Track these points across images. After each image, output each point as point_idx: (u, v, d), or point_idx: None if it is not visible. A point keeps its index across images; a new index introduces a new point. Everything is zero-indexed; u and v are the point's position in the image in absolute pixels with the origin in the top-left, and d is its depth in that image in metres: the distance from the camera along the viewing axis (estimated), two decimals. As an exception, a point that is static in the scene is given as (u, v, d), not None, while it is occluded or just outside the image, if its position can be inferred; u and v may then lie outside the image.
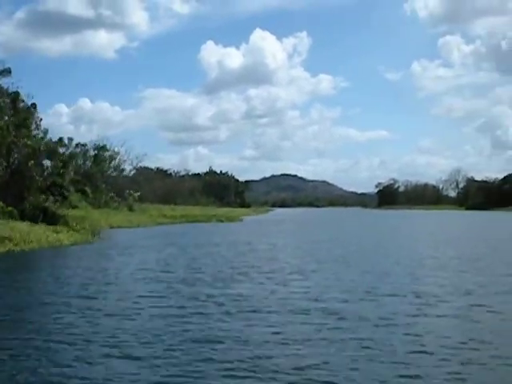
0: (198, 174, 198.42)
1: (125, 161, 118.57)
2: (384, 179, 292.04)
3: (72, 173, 76.47)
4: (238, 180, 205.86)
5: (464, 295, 19.31)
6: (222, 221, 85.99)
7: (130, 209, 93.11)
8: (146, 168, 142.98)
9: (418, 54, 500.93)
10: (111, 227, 61.82)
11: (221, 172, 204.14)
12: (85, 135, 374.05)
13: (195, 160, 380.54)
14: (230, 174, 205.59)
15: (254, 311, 16.28)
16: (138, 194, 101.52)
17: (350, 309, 16.58)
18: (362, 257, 33.05)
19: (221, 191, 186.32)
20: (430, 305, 17.36)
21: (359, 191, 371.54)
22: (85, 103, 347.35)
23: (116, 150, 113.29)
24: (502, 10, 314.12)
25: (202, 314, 15.89)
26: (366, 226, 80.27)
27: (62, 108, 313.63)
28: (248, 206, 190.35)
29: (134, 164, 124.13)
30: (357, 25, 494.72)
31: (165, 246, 40.63)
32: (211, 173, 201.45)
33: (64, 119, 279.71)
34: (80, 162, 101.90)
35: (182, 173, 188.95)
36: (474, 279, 22.90)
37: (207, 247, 39.23)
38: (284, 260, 30.94)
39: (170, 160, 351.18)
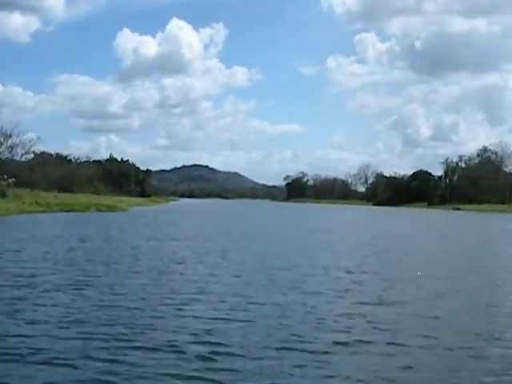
0: (99, 160, 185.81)
1: (17, 145, 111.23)
2: (294, 172, 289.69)
3: None
4: (138, 168, 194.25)
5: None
6: (101, 210, 75.08)
7: (3, 195, 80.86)
8: (44, 153, 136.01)
9: (333, 49, 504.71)
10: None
11: (122, 159, 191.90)
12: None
13: (107, 148, 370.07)
14: (131, 161, 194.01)
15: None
16: (13, 179, 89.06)
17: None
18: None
19: (120, 179, 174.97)
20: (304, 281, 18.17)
21: (270, 184, 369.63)
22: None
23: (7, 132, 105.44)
24: (417, 11, 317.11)
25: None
26: (250, 218, 77.89)
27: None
28: (148, 195, 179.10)
29: (27, 148, 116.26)
30: (273, 18, 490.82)
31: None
32: (112, 160, 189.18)
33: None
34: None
35: (84, 159, 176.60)
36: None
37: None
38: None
39: (82, 147, 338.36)
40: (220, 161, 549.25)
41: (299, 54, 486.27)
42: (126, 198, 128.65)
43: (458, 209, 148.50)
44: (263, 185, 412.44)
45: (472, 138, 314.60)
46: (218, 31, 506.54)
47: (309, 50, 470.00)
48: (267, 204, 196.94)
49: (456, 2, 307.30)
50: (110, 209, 78.09)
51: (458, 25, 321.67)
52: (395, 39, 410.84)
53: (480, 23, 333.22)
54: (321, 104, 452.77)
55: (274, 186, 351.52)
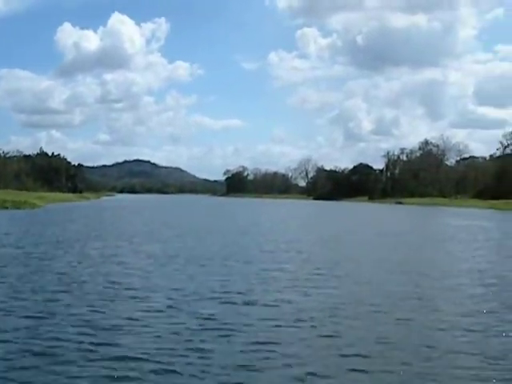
0: (29, 155, 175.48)
1: None
2: (234, 167, 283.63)
3: None
4: (70, 163, 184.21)
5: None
6: (6, 207, 66.15)
7: None
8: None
9: (275, 44, 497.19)
10: None
11: (52, 154, 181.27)
12: None
13: (47, 143, 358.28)
14: (62, 156, 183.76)
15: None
16: None
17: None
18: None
19: (50, 174, 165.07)
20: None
21: (212, 179, 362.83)
22: None
23: None
24: (359, 6, 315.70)
25: None
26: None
27: None
28: (80, 191, 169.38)
29: None
30: (216, 13, 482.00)
31: None
32: (42, 154, 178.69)
33: None
34: None
35: (14, 154, 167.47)
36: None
37: None
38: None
39: (22, 143, 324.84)
40: (162, 156, 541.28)
41: (241, 48, 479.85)
42: (50, 194, 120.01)
43: (400, 203, 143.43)
44: (205, 180, 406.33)
45: (413, 132, 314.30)
46: (160, 26, 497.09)
47: (251, 45, 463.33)
48: (204, 199, 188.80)
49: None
50: (18, 206, 69.07)
51: (399, 21, 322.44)
52: (337, 34, 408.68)
53: (420, 19, 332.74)
54: (262, 99, 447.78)
55: (215, 181, 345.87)
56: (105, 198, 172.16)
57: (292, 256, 24.47)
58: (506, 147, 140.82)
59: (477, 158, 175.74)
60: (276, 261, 22.45)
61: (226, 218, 63.78)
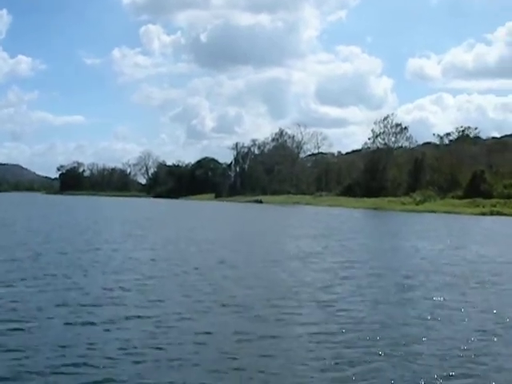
0: None
1: None
2: (69, 162, 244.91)
3: None
4: None
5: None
6: None
7: None
8: None
9: (119, 40, 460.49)
10: None
11: None
12: None
13: None
14: None
15: None
16: None
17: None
18: None
19: None
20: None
21: (53, 176, 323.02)
22: None
23: None
24: (205, 5, 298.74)
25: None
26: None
27: None
28: None
29: None
30: (59, 6, 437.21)
31: None
32: None
33: None
34: None
35: None
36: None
37: None
38: None
39: None
40: (3, 153, 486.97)
41: (84, 44, 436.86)
42: None
43: (260, 201, 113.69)
44: (46, 177, 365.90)
45: (255, 130, 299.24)
46: (1, 18, 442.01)
47: (94, 40, 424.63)
48: (30, 197, 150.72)
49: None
50: None
51: (244, 20, 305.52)
52: (181, 32, 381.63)
53: (264, 19, 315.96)
54: (105, 95, 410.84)
55: (56, 179, 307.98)
56: None
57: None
58: (377, 136, 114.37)
59: (325, 154, 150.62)
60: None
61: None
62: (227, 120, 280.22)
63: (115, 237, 29.86)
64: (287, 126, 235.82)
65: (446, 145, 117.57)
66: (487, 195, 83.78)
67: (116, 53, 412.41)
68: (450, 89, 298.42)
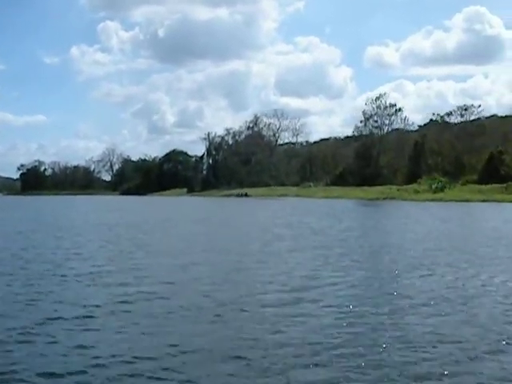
0: None
1: None
2: (29, 161, 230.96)
3: None
4: None
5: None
6: None
7: None
8: None
9: (77, 38, 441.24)
10: None
11: None
12: None
13: None
14: None
15: None
16: None
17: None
18: None
19: None
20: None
21: (15, 177, 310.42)
22: None
23: None
24: (161, 0, 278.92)
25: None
26: None
27: None
28: None
29: None
30: (15, 5, 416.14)
31: None
32: None
33: None
34: None
35: None
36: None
37: None
38: None
39: None
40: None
41: (42, 42, 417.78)
42: None
43: (246, 195, 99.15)
44: (7, 178, 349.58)
45: (217, 124, 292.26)
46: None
47: (52, 38, 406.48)
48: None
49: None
50: None
51: (202, 14, 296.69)
52: (139, 28, 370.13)
53: (223, 12, 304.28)
54: (65, 93, 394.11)
55: (18, 179, 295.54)
56: None
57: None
58: (368, 118, 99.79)
59: (294, 143, 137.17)
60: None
61: None
62: (188, 114, 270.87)
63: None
64: (247, 117, 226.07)
65: (446, 123, 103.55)
66: (509, 179, 69.71)
67: (75, 51, 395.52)
68: (410, 76, 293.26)
